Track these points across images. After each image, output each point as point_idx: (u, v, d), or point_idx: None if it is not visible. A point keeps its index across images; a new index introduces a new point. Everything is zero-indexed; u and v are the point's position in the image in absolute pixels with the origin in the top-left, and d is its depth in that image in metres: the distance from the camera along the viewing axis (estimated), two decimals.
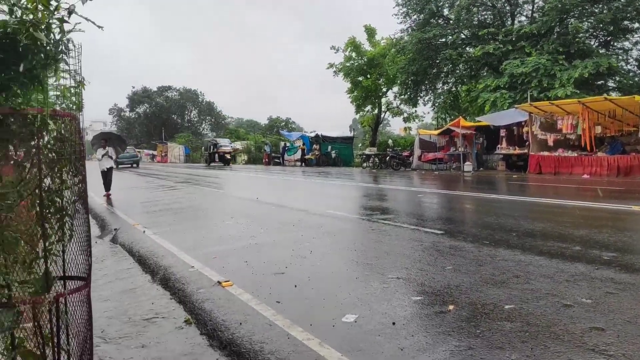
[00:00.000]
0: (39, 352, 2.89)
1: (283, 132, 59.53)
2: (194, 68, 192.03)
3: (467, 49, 33.71)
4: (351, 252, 7.46)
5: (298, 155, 44.31)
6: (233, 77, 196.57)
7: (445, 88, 37.94)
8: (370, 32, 42.13)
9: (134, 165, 49.80)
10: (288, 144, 47.61)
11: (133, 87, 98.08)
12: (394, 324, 4.48)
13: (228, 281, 6.04)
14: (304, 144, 43.96)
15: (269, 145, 51.44)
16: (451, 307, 4.85)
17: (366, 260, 6.92)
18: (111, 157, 17.08)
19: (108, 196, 16.63)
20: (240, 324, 4.66)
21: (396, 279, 5.89)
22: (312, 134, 45.13)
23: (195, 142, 75.10)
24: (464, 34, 33.95)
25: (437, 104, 38.59)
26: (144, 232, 9.90)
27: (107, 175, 16.84)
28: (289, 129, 73.73)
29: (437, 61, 34.47)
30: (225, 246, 8.19)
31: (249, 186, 21.97)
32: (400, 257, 6.94)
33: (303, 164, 42.64)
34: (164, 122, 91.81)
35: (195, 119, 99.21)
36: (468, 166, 26.76)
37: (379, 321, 4.57)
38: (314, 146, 42.63)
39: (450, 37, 33.40)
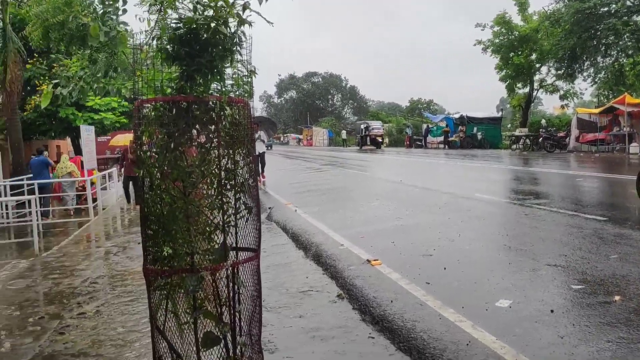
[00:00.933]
0: (216, 313, 3.24)
1: (425, 113, 58.43)
2: (338, 53, 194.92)
3: (634, 17, 30.18)
4: (502, 237, 7.21)
5: (441, 137, 43.25)
6: (375, 60, 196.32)
7: (608, 62, 34.41)
8: (522, 5, 39.48)
9: (268, 148, 52.97)
10: (431, 126, 46.67)
11: (279, 75, 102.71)
12: (552, 311, 4.29)
13: (377, 260, 6.19)
14: (447, 126, 42.79)
15: (411, 127, 50.82)
16: (617, 297, 4.51)
17: (519, 245, 6.65)
18: (263, 141, 18.12)
19: (261, 178, 17.71)
20: (391, 301, 4.78)
21: (553, 266, 5.59)
22: (457, 115, 43.69)
23: (337, 125, 76.72)
24: (630, 1, 30.44)
25: (598, 80, 35.19)
26: (296, 211, 10.45)
27: (260, 159, 17.90)
28: (431, 110, 72.22)
29: (598, 32, 31.35)
30: (372, 226, 8.37)
31: (391, 168, 22.02)
32: (557, 244, 6.56)
33: (446, 146, 41.55)
34: (309, 107, 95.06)
35: (338, 103, 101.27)
36: (634, 147, 24.15)
37: (535, 308, 4.40)
38: (459, 128, 41.29)
39: (613, 5, 30.16)
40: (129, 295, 6.04)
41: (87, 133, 14.68)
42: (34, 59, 21.25)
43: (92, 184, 13.92)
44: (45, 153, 16.36)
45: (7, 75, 17.61)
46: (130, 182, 14.45)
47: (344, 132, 66.24)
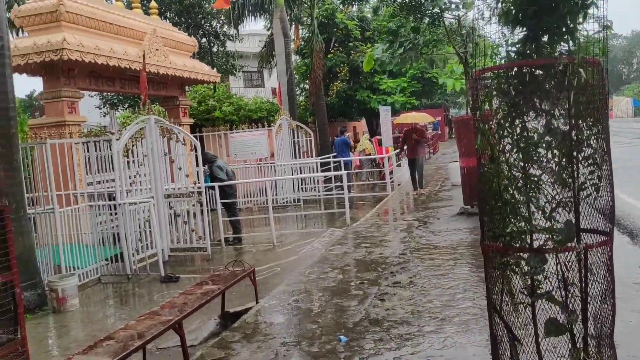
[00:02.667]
0: (559, 298, 2.95)
1: None
2: None
3: None
4: None
5: None
6: None
7: None
8: None
9: None
10: None
11: None
12: None
13: None
14: None
15: None
16: None
17: None
18: None
19: None
20: None
21: None
22: None
23: None
24: None
25: None
26: None
27: None
28: None
29: None
30: None
31: None
32: None
33: None
34: (608, 74, 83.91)
35: None
36: None
37: None
38: None
39: None
40: (438, 269, 6.13)
41: (385, 113, 15.56)
42: (335, 49, 23.50)
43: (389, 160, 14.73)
44: (346, 134, 18.07)
45: (313, 64, 19.88)
46: (415, 165, 12.94)
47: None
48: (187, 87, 15.22)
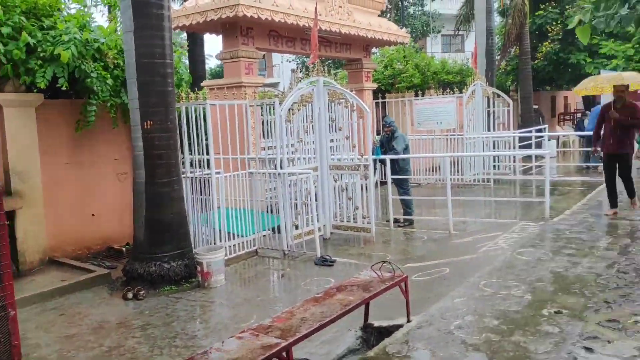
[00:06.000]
0: None
1: None
2: None
3: None
4: None
5: None
6: None
7: None
8: None
9: None
10: None
11: None
12: None
13: None
14: None
15: None
16: None
17: None
18: None
19: None
20: None
21: None
22: None
23: None
24: None
25: None
26: None
27: None
28: None
29: None
30: None
31: None
32: None
33: None
34: None
35: None
36: None
37: None
38: None
39: None
40: None
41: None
42: (546, 4, 20.38)
43: None
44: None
45: (509, 18, 17.31)
46: (617, 165, 7.52)
47: None
48: (372, 48, 14.12)
